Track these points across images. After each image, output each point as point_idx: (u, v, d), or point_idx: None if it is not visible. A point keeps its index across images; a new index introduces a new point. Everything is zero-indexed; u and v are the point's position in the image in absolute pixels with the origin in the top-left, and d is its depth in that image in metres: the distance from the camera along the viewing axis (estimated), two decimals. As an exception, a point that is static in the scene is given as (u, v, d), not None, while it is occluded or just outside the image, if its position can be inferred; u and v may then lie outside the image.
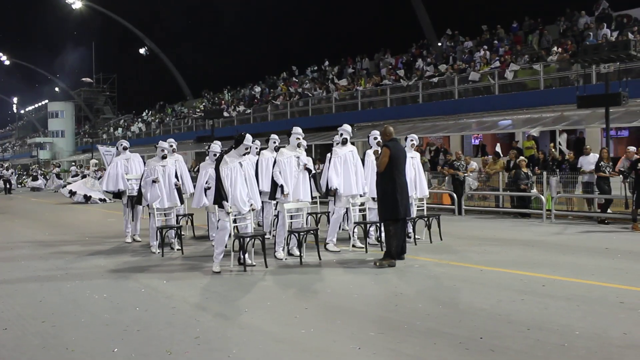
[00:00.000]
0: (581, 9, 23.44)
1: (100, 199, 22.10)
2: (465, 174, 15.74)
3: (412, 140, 10.48)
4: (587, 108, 16.67)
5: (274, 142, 10.38)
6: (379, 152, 8.39)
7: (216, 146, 10.69)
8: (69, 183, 30.93)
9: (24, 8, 71.23)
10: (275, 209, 9.58)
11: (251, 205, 8.03)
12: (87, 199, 22.07)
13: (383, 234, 9.71)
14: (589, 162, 14.01)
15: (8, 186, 31.20)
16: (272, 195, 8.71)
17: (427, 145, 21.63)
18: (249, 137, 8.12)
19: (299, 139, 8.89)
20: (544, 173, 14.33)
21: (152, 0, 48.72)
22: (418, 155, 10.68)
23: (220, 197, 7.79)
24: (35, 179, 35.00)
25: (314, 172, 9.05)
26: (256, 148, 10.92)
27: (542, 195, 13.77)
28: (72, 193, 22.51)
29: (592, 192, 13.62)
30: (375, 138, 9.77)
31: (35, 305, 6.20)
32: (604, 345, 4.53)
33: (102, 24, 53.93)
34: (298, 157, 8.81)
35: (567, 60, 20.06)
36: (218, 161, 8.04)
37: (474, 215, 15.02)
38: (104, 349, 4.68)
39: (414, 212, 10.23)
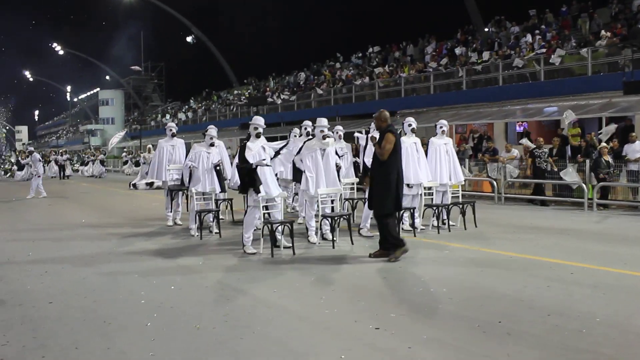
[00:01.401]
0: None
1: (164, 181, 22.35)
2: (507, 162, 15.57)
3: (441, 126, 10.42)
4: (635, 94, 16.18)
5: (305, 129, 10.58)
6: (377, 139, 7.72)
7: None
8: (127, 174, 31.97)
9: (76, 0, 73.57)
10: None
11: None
12: (150, 185, 21.82)
13: (417, 220, 9.84)
14: (634, 150, 13.68)
15: (63, 171, 32.50)
16: (296, 178, 8.94)
17: (470, 133, 21.38)
18: (256, 118, 8.50)
19: (323, 131, 9.01)
20: (587, 161, 14.04)
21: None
22: (450, 140, 10.62)
23: (247, 184, 8.06)
24: (83, 163, 36.37)
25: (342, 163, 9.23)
26: (296, 135, 11.12)
27: (584, 184, 13.51)
28: (135, 186, 22.47)
29: (638, 181, 13.29)
30: (410, 125, 9.82)
31: (78, 282, 6.60)
32: (623, 332, 4.55)
33: (151, 13, 55.12)
34: (324, 150, 8.94)
35: (616, 45, 19.44)
36: (242, 149, 8.24)
37: (514, 202, 14.87)
38: (138, 323, 4.99)
39: (448, 200, 10.27)
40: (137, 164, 33.80)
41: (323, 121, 9.14)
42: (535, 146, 15.02)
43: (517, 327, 4.70)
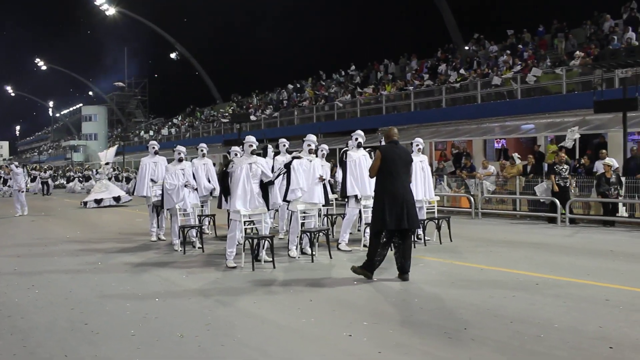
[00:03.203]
0: (609, 11, 23.35)
1: (114, 198, 21.95)
2: (484, 178, 16.03)
3: (417, 144, 10.82)
4: (605, 113, 16.77)
5: (284, 145, 11.00)
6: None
7: (237, 149, 11.28)
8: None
9: (59, 15, 73.77)
10: (288, 209, 10.06)
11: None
12: (98, 202, 21.51)
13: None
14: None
15: (46, 188, 32.45)
16: (284, 197, 9.25)
17: (452, 148, 21.91)
18: (248, 137, 8.79)
19: (310, 145, 9.43)
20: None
21: (183, 6, 49.89)
22: (426, 158, 11.02)
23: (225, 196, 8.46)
24: (69, 180, 36.33)
25: (326, 179, 9.62)
26: (272, 152, 11.48)
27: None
28: (85, 204, 21.70)
29: (608, 197, 13.75)
30: (357, 139, 10.13)
31: (65, 295, 6.83)
32: (577, 336, 4.90)
33: (134, 30, 55.43)
34: (311, 161, 9.34)
35: (588, 65, 20.12)
36: (226, 165, 8.62)
37: (491, 218, 15.28)
38: (124, 333, 5.24)
39: (423, 215, 10.61)
40: (127, 180, 33.81)
41: (311, 137, 9.62)
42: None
43: (481, 333, 5.03)
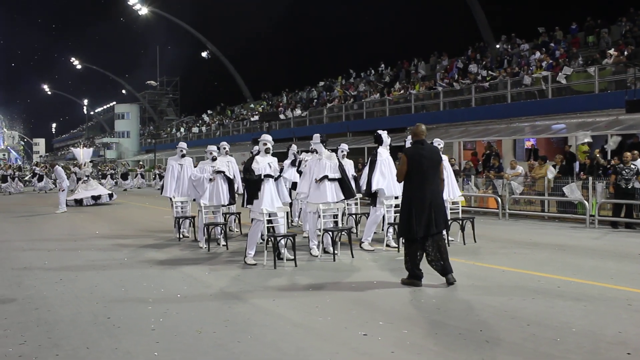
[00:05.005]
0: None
1: (109, 194, 22.26)
2: (511, 179, 15.85)
3: (438, 144, 10.75)
4: (638, 112, 16.41)
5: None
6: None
7: (256, 148, 11.40)
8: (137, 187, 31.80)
9: (94, 16, 75.36)
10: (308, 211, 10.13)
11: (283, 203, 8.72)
12: (95, 199, 21.54)
13: None
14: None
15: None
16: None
17: (484, 150, 21.68)
18: (264, 136, 8.99)
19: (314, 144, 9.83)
20: (590, 178, 14.28)
21: (214, 6, 50.32)
22: (446, 157, 10.91)
23: (251, 196, 8.53)
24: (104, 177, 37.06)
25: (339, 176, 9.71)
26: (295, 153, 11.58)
27: (587, 201, 13.73)
28: (79, 201, 21.22)
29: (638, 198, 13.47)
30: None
31: (90, 289, 7.04)
32: (594, 341, 4.85)
33: (166, 29, 56.18)
34: (320, 160, 9.49)
35: (620, 64, 19.69)
36: (250, 161, 8.74)
37: (519, 219, 15.10)
38: (145, 327, 5.39)
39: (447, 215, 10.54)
40: (160, 177, 34.22)
41: (316, 137, 9.79)
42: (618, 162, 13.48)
43: (496, 335, 5.02)
